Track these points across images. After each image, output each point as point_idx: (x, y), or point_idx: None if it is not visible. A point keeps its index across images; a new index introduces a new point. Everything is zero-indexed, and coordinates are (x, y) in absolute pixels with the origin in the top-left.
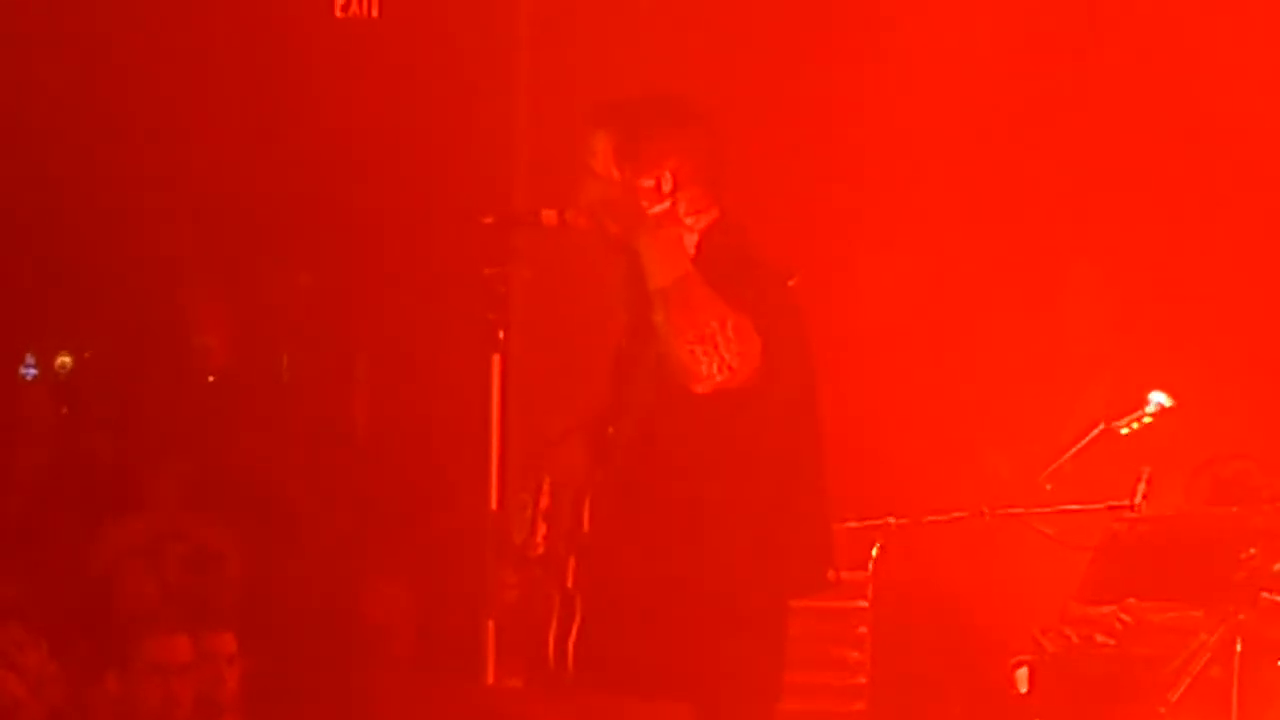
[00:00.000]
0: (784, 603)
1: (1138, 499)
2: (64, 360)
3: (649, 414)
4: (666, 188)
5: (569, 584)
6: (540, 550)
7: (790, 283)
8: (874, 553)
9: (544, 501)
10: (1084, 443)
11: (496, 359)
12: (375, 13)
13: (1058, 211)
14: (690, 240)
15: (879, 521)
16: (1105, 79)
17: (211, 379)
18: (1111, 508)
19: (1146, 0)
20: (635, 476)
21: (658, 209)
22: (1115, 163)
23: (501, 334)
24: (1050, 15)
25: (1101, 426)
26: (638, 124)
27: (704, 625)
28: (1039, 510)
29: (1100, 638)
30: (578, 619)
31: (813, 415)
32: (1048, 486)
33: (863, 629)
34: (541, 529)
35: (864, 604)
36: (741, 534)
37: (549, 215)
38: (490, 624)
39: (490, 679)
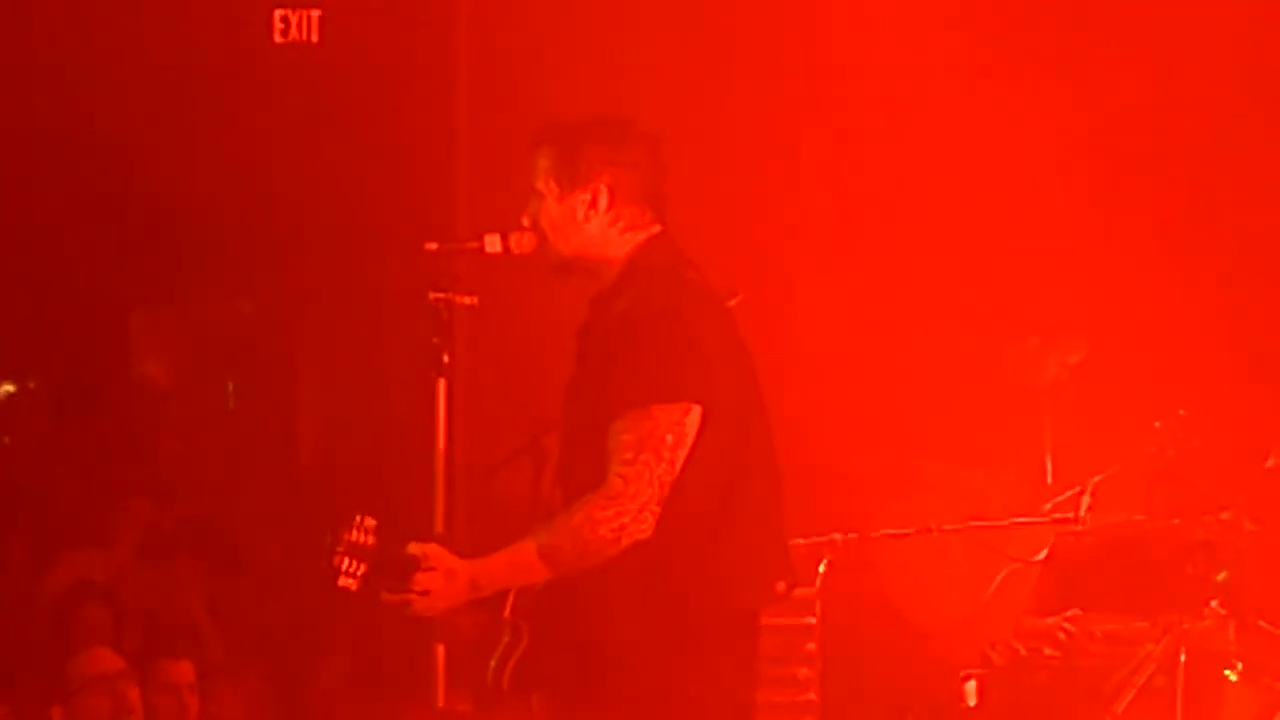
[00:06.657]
0: (753, 616)
1: (1082, 511)
2: (7, 389)
3: (594, 435)
4: (602, 204)
5: (506, 613)
6: (353, 587)
7: (731, 302)
8: (821, 569)
9: (357, 536)
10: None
11: (442, 383)
12: (315, 38)
13: (1000, 228)
14: (623, 249)
15: (826, 538)
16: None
17: (157, 407)
18: (1056, 520)
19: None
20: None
21: (593, 223)
22: (1060, 180)
23: (446, 358)
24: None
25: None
26: (574, 141)
27: (658, 643)
28: (984, 525)
29: (1048, 650)
30: (521, 646)
31: (765, 427)
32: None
33: (811, 645)
34: (348, 564)
35: (812, 620)
36: (691, 548)
37: (492, 240)
38: (440, 648)
39: (440, 702)
